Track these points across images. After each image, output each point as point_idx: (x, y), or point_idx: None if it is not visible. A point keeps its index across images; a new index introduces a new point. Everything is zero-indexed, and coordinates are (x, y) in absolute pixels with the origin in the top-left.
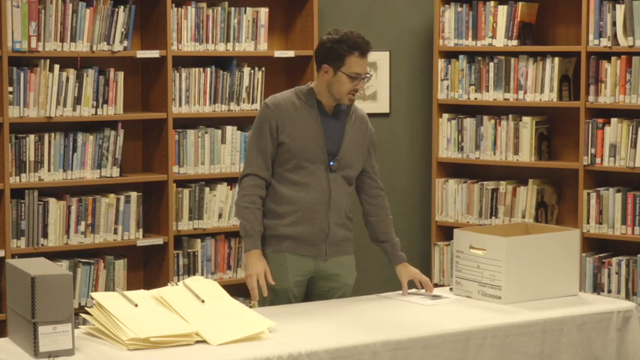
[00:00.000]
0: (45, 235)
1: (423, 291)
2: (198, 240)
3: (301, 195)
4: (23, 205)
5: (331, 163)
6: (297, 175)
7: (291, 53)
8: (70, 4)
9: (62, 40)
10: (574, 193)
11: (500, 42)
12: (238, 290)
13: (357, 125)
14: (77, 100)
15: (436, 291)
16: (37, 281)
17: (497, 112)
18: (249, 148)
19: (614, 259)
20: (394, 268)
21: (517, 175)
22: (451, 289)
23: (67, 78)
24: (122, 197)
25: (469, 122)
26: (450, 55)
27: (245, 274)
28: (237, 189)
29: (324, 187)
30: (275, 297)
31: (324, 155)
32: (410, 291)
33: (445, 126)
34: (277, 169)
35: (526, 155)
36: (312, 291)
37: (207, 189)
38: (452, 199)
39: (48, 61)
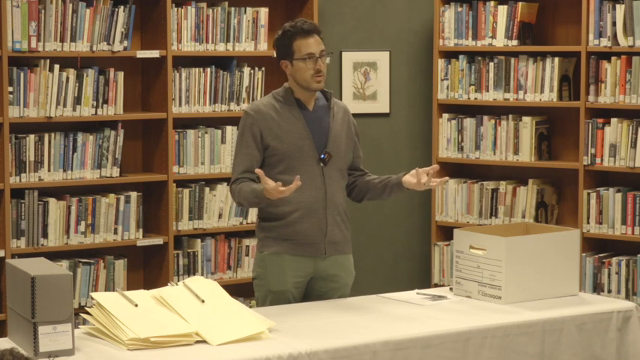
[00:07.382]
0: (45, 235)
1: (423, 291)
2: (198, 240)
3: (297, 195)
4: (23, 205)
5: (322, 156)
6: (291, 176)
7: None
8: (70, 4)
9: (62, 40)
10: (574, 193)
11: (500, 42)
12: (238, 290)
13: (339, 116)
14: (77, 100)
15: (436, 291)
16: (37, 281)
17: (497, 112)
18: (236, 156)
19: (614, 259)
20: (402, 184)
21: (517, 175)
22: (451, 289)
23: (67, 78)
24: (122, 197)
25: (469, 122)
26: (450, 55)
27: (271, 200)
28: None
29: (319, 185)
30: (275, 299)
31: (314, 150)
32: (410, 292)
33: (445, 126)
34: (270, 173)
35: (526, 155)
36: (311, 292)
37: (207, 189)
38: (452, 199)
39: (48, 61)
